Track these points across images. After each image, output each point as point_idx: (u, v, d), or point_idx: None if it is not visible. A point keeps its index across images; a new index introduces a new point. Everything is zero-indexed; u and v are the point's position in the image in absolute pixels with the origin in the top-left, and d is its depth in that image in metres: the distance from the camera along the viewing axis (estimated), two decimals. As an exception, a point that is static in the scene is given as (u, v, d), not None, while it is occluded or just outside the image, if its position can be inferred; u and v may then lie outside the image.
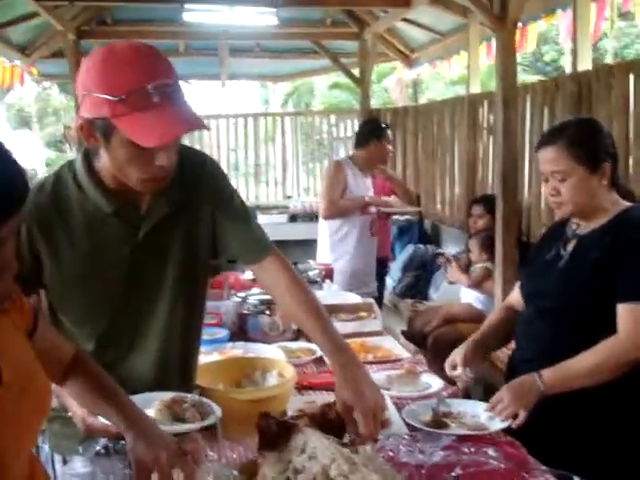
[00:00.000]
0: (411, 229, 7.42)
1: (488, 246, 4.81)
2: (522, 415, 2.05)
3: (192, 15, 6.62)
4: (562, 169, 2.20)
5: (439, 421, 2.05)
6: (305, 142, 10.57)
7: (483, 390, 4.17)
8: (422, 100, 19.61)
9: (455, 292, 5.34)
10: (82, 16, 7.77)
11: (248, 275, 3.61)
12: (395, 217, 6.07)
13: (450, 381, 2.50)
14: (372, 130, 4.89)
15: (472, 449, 1.82)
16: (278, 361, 2.30)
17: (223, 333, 2.93)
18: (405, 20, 7.45)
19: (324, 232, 4.78)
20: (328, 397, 2.25)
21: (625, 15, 14.03)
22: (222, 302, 3.23)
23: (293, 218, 8.72)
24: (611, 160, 2.24)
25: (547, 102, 5.19)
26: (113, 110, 1.55)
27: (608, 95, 4.45)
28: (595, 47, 6.90)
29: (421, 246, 7.05)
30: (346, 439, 1.75)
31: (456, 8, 6.43)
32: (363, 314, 3.24)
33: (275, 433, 1.60)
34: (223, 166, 9.30)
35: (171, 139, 1.62)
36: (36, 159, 21.55)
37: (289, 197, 9.93)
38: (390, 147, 5.05)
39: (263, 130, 10.55)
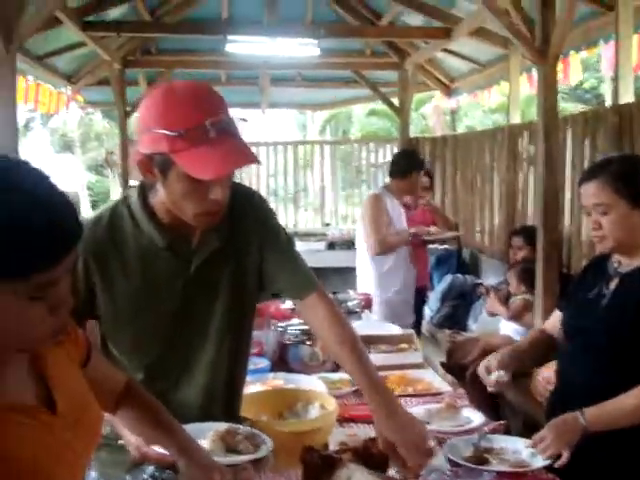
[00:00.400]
0: (449, 259, 7.37)
1: (526, 278, 4.78)
2: (565, 455, 2.03)
3: (235, 46, 6.71)
4: (604, 202, 2.22)
5: (480, 457, 2.05)
6: (344, 169, 10.62)
7: (522, 424, 4.13)
8: (460, 128, 19.60)
9: (494, 323, 5.30)
10: (127, 46, 7.97)
11: (288, 305, 3.64)
12: (433, 246, 6.05)
13: (492, 417, 2.49)
14: (412, 162, 4.90)
15: (514, 486, 1.82)
16: (320, 393, 2.32)
17: (265, 363, 2.95)
18: (445, 50, 7.50)
19: (366, 263, 4.76)
20: (369, 430, 2.26)
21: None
22: (263, 331, 3.26)
23: (331, 246, 8.74)
24: None
25: (588, 134, 5.16)
26: (172, 145, 1.61)
27: (650, 128, 4.43)
28: (637, 78, 6.84)
29: (459, 276, 7.00)
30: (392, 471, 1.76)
31: (496, 39, 6.46)
32: (403, 346, 3.24)
33: (319, 467, 1.63)
34: (263, 192, 9.43)
35: (227, 172, 1.67)
36: (78, 182, 21.96)
37: (327, 224, 9.97)
38: (425, 179, 5.09)
39: (302, 157, 10.63)
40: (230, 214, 1.84)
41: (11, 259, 1.03)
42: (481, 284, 5.75)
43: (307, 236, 9.00)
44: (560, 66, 4.78)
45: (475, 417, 2.40)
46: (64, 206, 1.12)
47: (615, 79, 5.08)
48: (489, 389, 2.35)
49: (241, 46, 6.79)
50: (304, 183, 10.67)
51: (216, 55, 8.11)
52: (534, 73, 5.79)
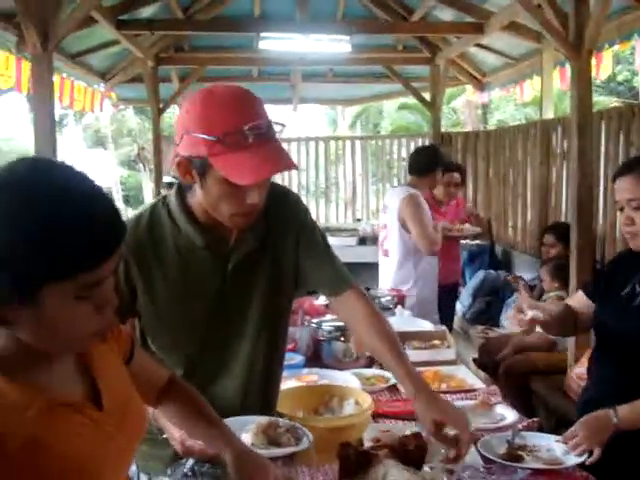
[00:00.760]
0: (482, 254, 7.34)
1: (560, 274, 4.76)
2: (596, 452, 2.04)
3: (267, 43, 6.73)
4: (638, 197, 2.21)
5: (514, 454, 2.06)
6: (375, 163, 10.61)
7: (555, 421, 4.13)
8: (492, 121, 19.46)
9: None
10: (160, 43, 8.02)
11: (322, 301, 3.67)
12: (465, 242, 6.02)
13: (525, 414, 2.49)
14: (434, 160, 4.83)
15: (548, 484, 1.83)
16: (355, 389, 2.35)
17: (298, 359, 2.99)
18: (477, 45, 7.46)
19: (398, 260, 4.70)
20: (403, 426, 2.29)
21: None
22: (297, 327, 3.29)
23: (362, 241, 8.73)
24: None
25: (623, 128, 5.12)
26: (210, 149, 1.64)
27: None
28: (672, 72, 6.76)
29: (492, 272, 6.96)
30: (434, 463, 1.78)
31: (529, 33, 6.41)
32: (436, 342, 3.26)
33: (355, 463, 1.65)
34: (294, 187, 9.45)
35: (263, 178, 1.70)
36: (111, 177, 22.20)
37: (358, 220, 9.97)
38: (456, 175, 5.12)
39: (333, 152, 10.64)
40: (266, 213, 1.88)
41: (59, 260, 1.07)
42: (520, 277, 5.70)
43: (339, 231, 9.01)
44: (593, 61, 4.73)
45: (509, 414, 2.41)
46: (108, 208, 1.15)
47: (650, 73, 5.02)
48: (520, 329, 2.33)
49: (274, 43, 6.83)
50: (335, 177, 10.67)
51: (248, 52, 8.16)
52: (567, 68, 5.74)
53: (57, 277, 1.08)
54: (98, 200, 1.14)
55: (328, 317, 3.31)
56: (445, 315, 4.93)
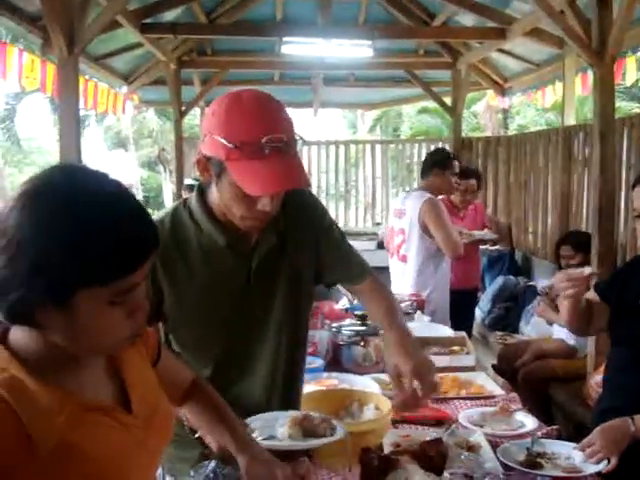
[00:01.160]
0: (501, 260, 7.31)
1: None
2: (614, 461, 2.05)
3: (289, 47, 6.76)
4: None
5: (533, 461, 2.07)
6: (394, 167, 10.61)
7: (573, 428, 4.12)
8: (512, 126, 19.37)
9: (547, 326, 5.27)
10: (183, 47, 8.10)
11: (342, 305, 3.68)
12: (485, 247, 6.01)
13: (543, 420, 2.50)
14: (439, 158, 4.83)
15: (567, 491, 1.84)
16: (375, 394, 2.37)
17: (318, 362, 3.00)
18: (499, 50, 7.45)
19: (415, 265, 4.68)
20: (423, 431, 2.30)
21: None
22: (317, 331, 3.31)
23: (382, 245, 8.74)
24: None
25: (645, 136, 5.10)
26: (227, 154, 1.68)
27: None
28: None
29: (512, 277, 6.93)
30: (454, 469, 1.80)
31: (551, 39, 6.40)
32: (455, 348, 3.26)
33: (376, 467, 1.67)
34: (313, 190, 9.43)
35: (273, 191, 1.73)
36: (131, 178, 22.35)
37: (378, 224, 9.97)
38: (472, 181, 5.11)
39: (353, 155, 10.65)
40: (284, 212, 1.91)
41: (94, 267, 1.09)
42: (533, 286, 5.68)
43: (358, 235, 9.01)
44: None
45: (528, 421, 2.42)
46: (142, 216, 1.18)
47: (674, 80, 5.00)
48: (571, 289, 2.31)
49: (296, 47, 6.84)
50: (355, 181, 10.68)
51: (270, 56, 8.20)
52: (589, 74, 5.72)
53: (92, 283, 1.10)
54: (134, 209, 1.17)
55: (348, 321, 3.33)
56: (464, 321, 4.92)
